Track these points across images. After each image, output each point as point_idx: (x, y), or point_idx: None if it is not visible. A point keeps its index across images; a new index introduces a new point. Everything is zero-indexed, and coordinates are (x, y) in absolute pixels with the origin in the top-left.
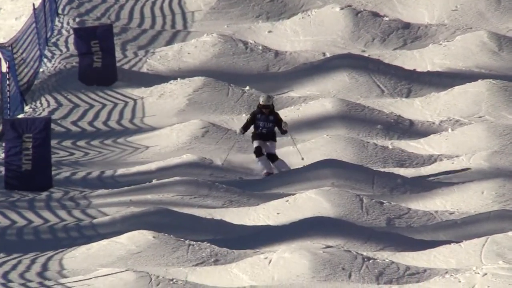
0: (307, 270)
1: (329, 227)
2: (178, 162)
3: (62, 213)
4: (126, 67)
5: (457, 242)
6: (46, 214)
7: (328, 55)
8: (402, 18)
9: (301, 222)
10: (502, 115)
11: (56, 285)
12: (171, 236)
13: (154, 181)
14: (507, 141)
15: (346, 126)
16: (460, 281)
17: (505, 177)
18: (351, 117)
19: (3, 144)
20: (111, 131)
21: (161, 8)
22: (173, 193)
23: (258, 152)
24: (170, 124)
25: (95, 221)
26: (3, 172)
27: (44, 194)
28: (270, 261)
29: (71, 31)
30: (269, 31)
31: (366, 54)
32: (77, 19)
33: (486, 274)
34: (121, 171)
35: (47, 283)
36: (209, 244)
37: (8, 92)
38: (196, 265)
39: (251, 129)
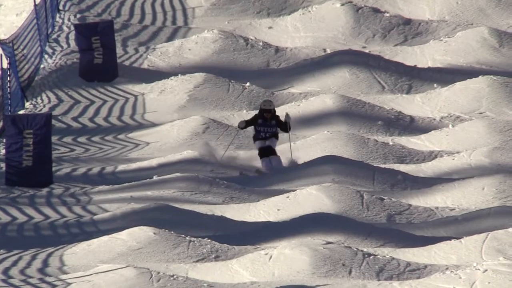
0: (307, 266)
1: (329, 223)
2: (179, 158)
3: (63, 209)
4: (126, 63)
5: (457, 238)
6: (47, 210)
7: (328, 51)
8: (403, 14)
9: (301, 218)
10: (503, 111)
11: (56, 281)
12: (172, 232)
13: (155, 177)
14: (508, 137)
15: (346, 122)
16: (460, 277)
17: (506, 173)
18: (352, 113)
19: (4, 140)
20: (112, 127)
21: (162, 4)
22: (174, 189)
23: (261, 153)
24: (170, 120)
25: (95, 217)
26: (3, 168)
27: (44, 190)
28: (271, 257)
29: (72, 27)
30: (270, 27)
31: (366, 50)
32: (78, 15)
33: (486, 270)
34: (121, 167)
35: (48, 279)
36: (209, 240)
37: (9, 88)
38: (197, 261)
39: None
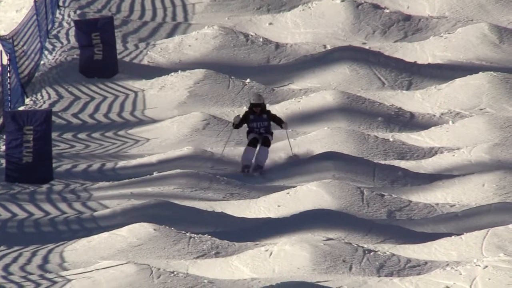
0: (308, 263)
1: (330, 220)
2: (179, 154)
3: (63, 206)
4: (127, 59)
5: (458, 235)
6: (47, 207)
7: (328, 47)
8: (403, 10)
9: (302, 215)
10: (503, 108)
11: (57, 277)
12: (172, 228)
13: (155, 174)
14: (508, 133)
15: (347, 118)
16: (461, 274)
17: (506, 169)
18: (352, 109)
19: (4, 137)
20: (112, 124)
21: (162, 0)
22: (174, 186)
23: (251, 142)
24: (171, 117)
25: (96, 213)
26: (3, 165)
27: (44, 187)
28: (271, 253)
29: (72, 24)
30: (270, 23)
31: (366, 47)
32: (78, 12)
33: (487, 266)
34: (122, 163)
35: (48, 275)
36: (210, 236)
37: (9, 85)
38: (197, 257)
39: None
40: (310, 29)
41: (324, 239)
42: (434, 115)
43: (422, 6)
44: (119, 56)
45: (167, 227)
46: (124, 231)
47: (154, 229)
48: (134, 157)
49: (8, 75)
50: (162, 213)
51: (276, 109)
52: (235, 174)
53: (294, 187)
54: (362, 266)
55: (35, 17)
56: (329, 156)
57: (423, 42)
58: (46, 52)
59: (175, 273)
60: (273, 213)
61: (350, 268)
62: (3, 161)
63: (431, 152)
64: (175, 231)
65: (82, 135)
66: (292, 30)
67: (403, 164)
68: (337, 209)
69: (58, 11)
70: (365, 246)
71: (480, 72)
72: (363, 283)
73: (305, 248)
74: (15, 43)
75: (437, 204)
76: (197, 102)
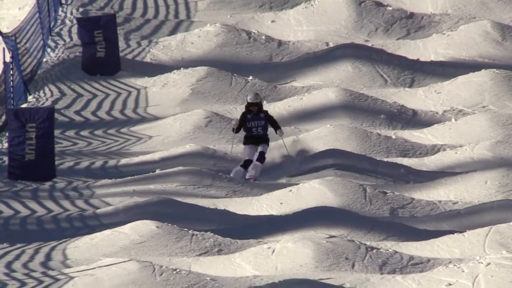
0: (310, 260)
1: (332, 217)
2: (182, 152)
3: (66, 203)
4: (129, 57)
5: (460, 232)
6: (50, 204)
7: (331, 45)
8: (406, 7)
9: (304, 212)
10: (506, 105)
11: (59, 275)
12: (175, 226)
13: (158, 171)
14: (511, 130)
15: (349, 116)
16: (463, 271)
17: (509, 167)
18: (355, 107)
19: (7, 134)
20: (115, 121)
21: None
22: (177, 183)
23: (244, 164)
24: (173, 114)
25: (98, 211)
26: (6, 162)
27: (47, 184)
28: (273, 251)
29: (75, 21)
30: (272, 21)
31: (369, 44)
32: (81, 9)
33: (489, 264)
34: (124, 161)
35: (51, 273)
36: (212, 234)
37: (11, 82)
38: (200, 255)
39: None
40: (312, 27)
41: (327, 236)
42: (437, 113)
43: (425, 3)
44: (121, 54)
45: (169, 224)
46: (126, 228)
47: (157, 227)
48: (136, 154)
49: (11, 72)
50: (164, 211)
51: (278, 106)
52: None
53: (296, 184)
54: (365, 263)
55: (37, 14)
56: (331, 154)
57: (426, 39)
58: (48, 50)
59: (177, 270)
60: (275, 211)
61: (353, 266)
62: (5, 158)
63: (434, 149)
64: (177, 228)
65: (84, 133)
66: (294, 28)
67: (405, 161)
68: (339, 207)
69: (60, 9)
70: (368, 243)
71: (483, 70)
72: (366, 281)
73: (308, 245)
74: (18, 40)
75: (439, 201)
76: (200, 99)
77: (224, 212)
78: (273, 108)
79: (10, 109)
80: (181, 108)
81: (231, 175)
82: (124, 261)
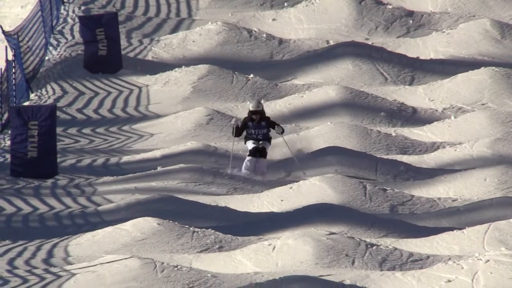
0: (310, 257)
1: (332, 214)
2: (183, 149)
3: (68, 200)
4: (131, 55)
5: (460, 229)
6: (52, 201)
7: (331, 43)
8: (406, 6)
9: (305, 209)
10: (505, 103)
11: (61, 271)
12: (176, 223)
13: (159, 168)
14: (510, 128)
15: (349, 113)
16: (462, 268)
17: (508, 164)
18: (355, 104)
19: (9, 132)
20: (116, 119)
21: None
22: (178, 180)
23: (251, 152)
24: (174, 112)
25: (100, 208)
26: (9, 159)
27: (49, 181)
28: (274, 247)
29: (77, 19)
30: (273, 19)
31: (369, 42)
32: (83, 7)
33: (488, 260)
34: (126, 158)
35: (53, 269)
36: (213, 231)
37: (14, 80)
38: (201, 251)
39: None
40: (313, 25)
41: (327, 233)
42: (436, 110)
43: (425, 2)
44: (123, 52)
45: (171, 221)
46: (128, 225)
47: (158, 224)
48: (138, 152)
49: (13, 70)
50: (166, 208)
51: (279, 104)
52: (239, 169)
53: (297, 181)
54: (365, 260)
55: (40, 13)
56: (332, 151)
57: (426, 37)
58: (50, 48)
59: (178, 267)
60: (276, 208)
61: (353, 262)
62: (8, 156)
63: (433, 146)
64: (178, 225)
65: (86, 130)
66: (295, 26)
67: (405, 158)
68: (340, 204)
69: (62, 7)
70: (368, 240)
71: (482, 68)
72: (366, 277)
73: (308, 242)
74: (20, 38)
75: (439, 198)
76: (201, 97)
77: (225, 209)
78: (274, 106)
79: (13, 107)
80: (183, 106)
81: (243, 169)
82: (126, 258)
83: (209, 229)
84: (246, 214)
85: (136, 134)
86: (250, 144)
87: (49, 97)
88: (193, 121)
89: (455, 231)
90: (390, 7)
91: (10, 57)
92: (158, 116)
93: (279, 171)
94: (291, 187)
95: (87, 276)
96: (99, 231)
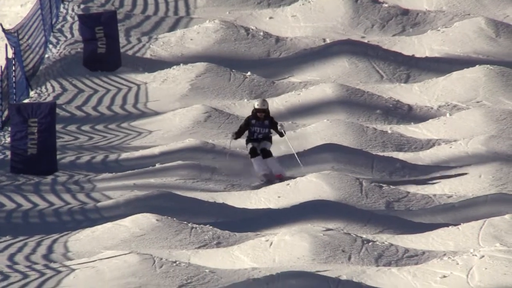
0: (307, 253)
1: (329, 210)
2: (181, 146)
3: (67, 197)
4: (129, 53)
5: (455, 225)
6: (51, 198)
7: (328, 41)
8: (401, 4)
9: (301, 206)
10: (499, 100)
11: (61, 267)
12: (174, 219)
13: (157, 165)
14: (504, 125)
15: (346, 111)
16: (458, 263)
17: (502, 161)
18: (351, 102)
19: (9, 129)
20: (115, 116)
21: None
22: (176, 177)
23: (252, 152)
24: (173, 109)
25: (99, 204)
26: (9, 156)
27: (49, 178)
28: (271, 243)
29: (76, 18)
30: (270, 18)
31: (365, 40)
32: (82, 6)
33: (483, 256)
34: (125, 155)
35: (52, 265)
36: (211, 227)
37: (14, 78)
38: (199, 247)
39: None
40: (309, 23)
41: (324, 229)
42: (432, 108)
43: (420, 0)
44: (122, 50)
45: (169, 217)
46: (127, 221)
47: (157, 220)
48: (137, 149)
49: (13, 68)
50: (164, 204)
51: (276, 101)
52: (236, 166)
53: (294, 178)
54: (361, 256)
55: (39, 11)
56: (328, 148)
57: (421, 36)
58: (50, 46)
59: (177, 262)
60: (273, 204)
61: (349, 258)
62: (8, 152)
63: (429, 144)
64: (177, 221)
65: (85, 127)
66: (292, 24)
67: (401, 155)
68: (336, 200)
69: (62, 6)
70: (364, 236)
71: (477, 66)
72: (362, 273)
73: (305, 238)
74: (20, 37)
75: (434, 195)
76: (199, 94)
77: (222, 206)
78: (271, 103)
79: (13, 104)
80: (181, 103)
81: (257, 170)
82: (125, 254)
83: (207, 225)
84: (244, 210)
85: (134, 131)
86: (250, 144)
87: (48, 95)
88: (191, 118)
89: (450, 227)
90: (386, 5)
91: (10, 55)
92: (156, 113)
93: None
94: (288, 184)
95: (86, 272)
96: (99, 227)
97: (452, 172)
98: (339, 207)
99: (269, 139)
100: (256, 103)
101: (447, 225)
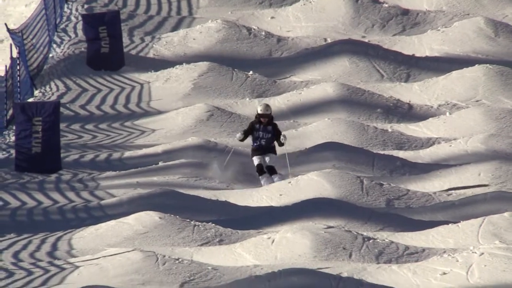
0: (309, 250)
1: (330, 208)
2: (184, 145)
3: (71, 195)
4: (133, 52)
5: (454, 223)
6: (56, 196)
7: (329, 40)
8: (401, 4)
9: (303, 203)
10: (499, 99)
11: (65, 264)
12: (177, 217)
13: (161, 164)
14: (503, 124)
15: (346, 109)
16: (457, 261)
17: (501, 159)
18: (352, 101)
19: (14, 127)
20: (119, 115)
21: None
22: (179, 175)
23: (259, 170)
24: (175, 108)
25: (103, 202)
26: (13, 155)
27: (53, 176)
28: (273, 241)
29: (80, 18)
30: (272, 17)
31: (366, 40)
32: (85, 6)
33: (483, 253)
34: (128, 153)
35: (57, 262)
36: (213, 224)
37: (18, 77)
38: (201, 245)
39: (250, 141)
40: (311, 23)
41: (325, 227)
42: (432, 107)
43: (420, 0)
44: (125, 49)
45: (172, 215)
46: (130, 219)
47: (160, 217)
48: (140, 147)
49: (18, 67)
50: (167, 202)
51: (278, 100)
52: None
53: (295, 176)
54: (362, 253)
55: (43, 11)
56: (329, 147)
57: (421, 35)
58: (54, 46)
59: (180, 260)
60: (275, 202)
61: (350, 255)
62: (13, 151)
63: (429, 142)
64: (180, 219)
65: (89, 126)
66: (293, 24)
67: (401, 154)
68: (337, 198)
69: (66, 6)
70: (365, 233)
71: (476, 65)
72: (363, 270)
73: (306, 235)
74: (25, 36)
75: (434, 193)
76: (201, 94)
77: (225, 204)
78: (273, 103)
79: (17, 103)
80: (183, 102)
81: (263, 185)
82: (128, 251)
83: (210, 223)
84: (246, 208)
85: (138, 130)
86: (255, 160)
87: (52, 94)
88: (193, 117)
89: (450, 224)
90: (386, 5)
91: (15, 55)
92: (159, 112)
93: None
94: (290, 182)
95: (90, 269)
96: (102, 224)
97: (452, 170)
98: (340, 205)
99: (272, 149)
100: (259, 108)
101: (447, 222)
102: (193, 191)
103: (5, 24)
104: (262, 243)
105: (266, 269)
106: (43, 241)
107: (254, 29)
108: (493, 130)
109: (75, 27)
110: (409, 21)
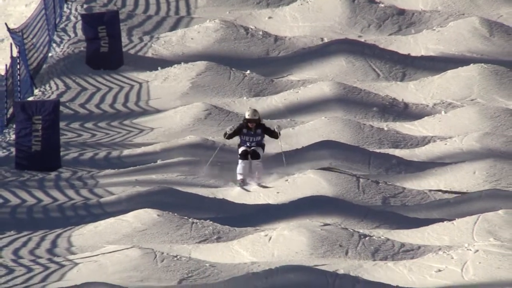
0: (305, 247)
1: (327, 206)
2: (182, 143)
3: (71, 192)
4: (132, 51)
5: (450, 220)
6: (55, 193)
7: (326, 40)
8: (397, 4)
9: (300, 201)
10: (493, 98)
11: (64, 261)
12: (175, 214)
13: (159, 162)
14: (498, 122)
15: (343, 108)
16: (452, 258)
17: (496, 157)
18: (348, 100)
19: (14, 126)
20: (118, 114)
21: None
22: (177, 173)
23: (243, 155)
24: (174, 107)
25: (102, 200)
26: (14, 153)
27: (53, 174)
28: (270, 238)
29: (79, 17)
30: (269, 17)
31: (362, 39)
32: (85, 6)
33: (477, 250)
34: (127, 152)
35: (56, 259)
36: (211, 222)
37: (18, 76)
38: (199, 242)
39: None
40: (308, 23)
41: (321, 224)
42: (427, 105)
43: (416, 0)
44: (124, 49)
45: (170, 213)
46: (129, 216)
47: (158, 215)
48: (138, 145)
49: (18, 66)
50: (165, 200)
51: (275, 99)
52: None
53: (292, 174)
54: (358, 250)
55: (43, 11)
56: (326, 145)
57: (417, 35)
58: (54, 45)
59: (178, 257)
60: (272, 200)
61: (346, 253)
62: (13, 149)
63: (424, 141)
64: (178, 216)
65: (88, 125)
66: (290, 24)
67: (397, 152)
68: (333, 196)
69: (65, 5)
70: (361, 231)
71: (471, 64)
72: (359, 267)
73: (303, 233)
74: (25, 36)
75: (430, 191)
76: (199, 93)
77: (223, 201)
78: (270, 101)
79: (17, 102)
80: (182, 101)
81: (237, 173)
82: (127, 248)
83: (208, 220)
84: (243, 206)
85: (136, 128)
86: (241, 149)
87: (52, 93)
88: (191, 116)
89: (445, 222)
90: (382, 5)
91: (15, 54)
92: (158, 111)
93: (271, 172)
94: (287, 180)
95: (89, 266)
96: (101, 222)
97: (447, 168)
98: (336, 203)
99: (261, 146)
100: (247, 114)
101: (442, 220)
102: (191, 189)
103: (6, 24)
104: (259, 240)
105: (263, 266)
106: (42, 238)
107: (251, 28)
108: (488, 129)
109: (74, 27)
110: (405, 21)
